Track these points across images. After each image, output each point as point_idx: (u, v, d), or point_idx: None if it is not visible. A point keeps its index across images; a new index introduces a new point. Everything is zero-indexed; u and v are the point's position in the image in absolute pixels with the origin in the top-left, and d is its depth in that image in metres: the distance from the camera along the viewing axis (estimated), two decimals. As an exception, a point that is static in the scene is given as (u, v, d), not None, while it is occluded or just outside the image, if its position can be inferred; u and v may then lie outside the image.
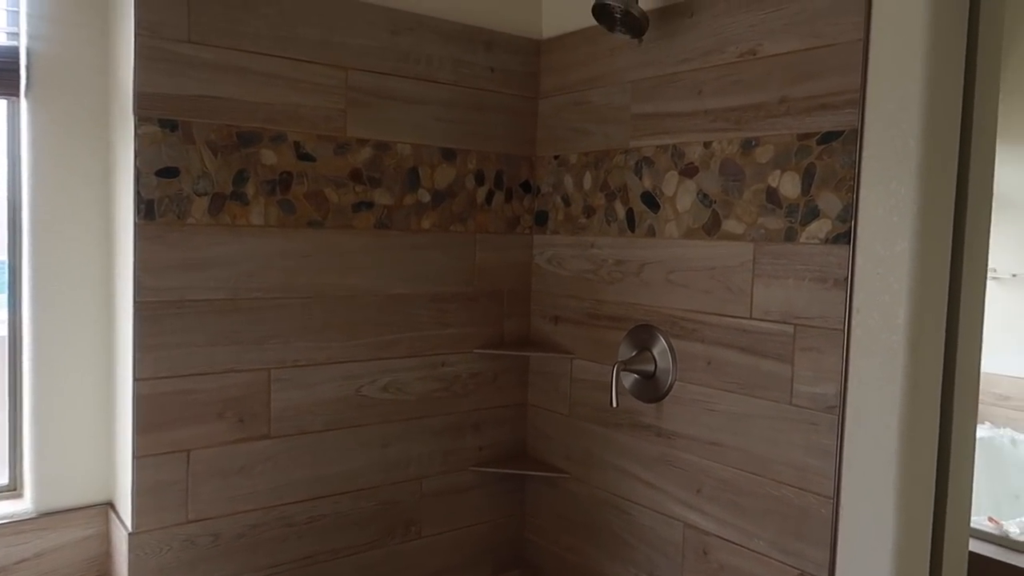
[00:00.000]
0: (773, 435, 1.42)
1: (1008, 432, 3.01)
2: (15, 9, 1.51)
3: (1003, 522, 2.23)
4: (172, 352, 1.47)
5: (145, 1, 1.39)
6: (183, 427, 1.49)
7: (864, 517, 1.29)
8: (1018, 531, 2.18)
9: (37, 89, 1.50)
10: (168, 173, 1.44)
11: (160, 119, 1.42)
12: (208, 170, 1.48)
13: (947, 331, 1.30)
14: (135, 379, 1.43)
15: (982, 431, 2.92)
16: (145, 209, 1.42)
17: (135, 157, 1.40)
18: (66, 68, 1.52)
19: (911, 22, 1.22)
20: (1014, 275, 3.08)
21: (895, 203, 1.24)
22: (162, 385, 1.46)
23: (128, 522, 1.48)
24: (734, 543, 1.49)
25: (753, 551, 1.46)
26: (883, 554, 1.26)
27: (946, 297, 1.29)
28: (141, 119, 1.40)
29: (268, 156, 1.55)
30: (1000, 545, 2.14)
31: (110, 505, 1.61)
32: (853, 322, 1.30)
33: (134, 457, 1.45)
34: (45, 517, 1.55)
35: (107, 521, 1.60)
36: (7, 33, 1.51)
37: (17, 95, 1.50)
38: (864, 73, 1.28)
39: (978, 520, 2.19)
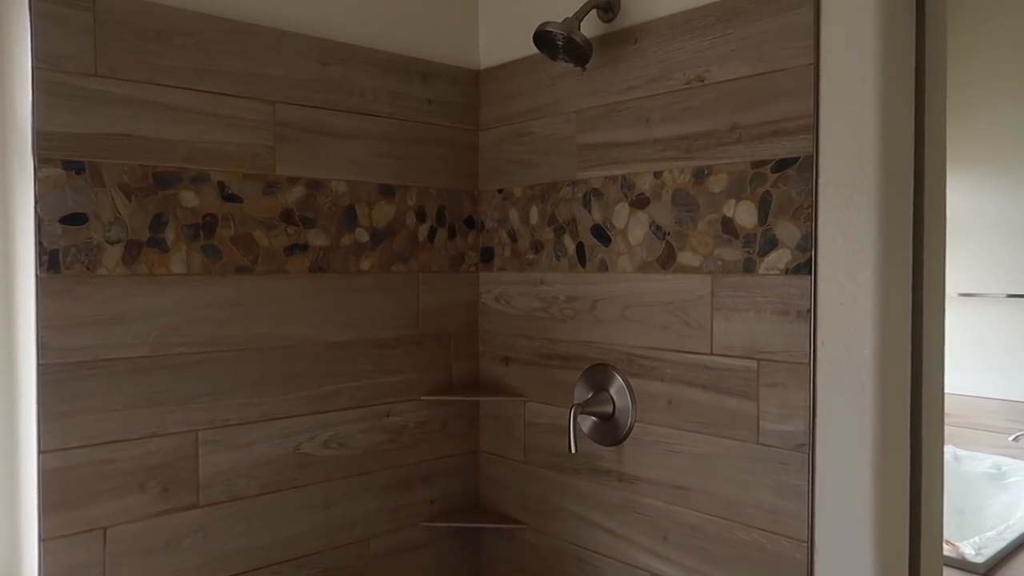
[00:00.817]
0: (741, 476, 1.35)
1: (950, 448, 3.04)
2: None
3: (958, 544, 2.22)
4: (84, 419, 1.31)
5: (43, 32, 1.26)
6: (99, 502, 1.33)
7: (840, 559, 1.23)
8: (973, 552, 2.18)
9: (-78, 131, 1.34)
10: (75, 220, 1.30)
11: (64, 160, 1.29)
12: (121, 215, 1.34)
13: (912, 358, 1.27)
14: (40, 452, 1.27)
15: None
16: (48, 261, 1.27)
17: (35, 203, 1.26)
18: (-44, 107, 1.37)
19: (860, 45, 1.19)
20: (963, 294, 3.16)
21: (855, 231, 1.21)
22: (73, 457, 1.30)
23: (36, 613, 1.30)
24: (705, 592, 1.41)
25: (726, 600, 1.38)
26: (862, 598, 1.20)
27: (910, 324, 1.25)
28: (42, 161, 1.26)
29: (189, 198, 1.42)
30: (960, 568, 2.13)
31: (15, 593, 1.42)
32: (819, 355, 1.25)
33: (41, 540, 1.28)
34: (-62, 612, 1.37)
35: (12, 612, 1.42)
36: None
37: (-102, 138, 1.34)
38: (816, 98, 1.25)
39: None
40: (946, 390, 1.34)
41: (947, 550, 2.18)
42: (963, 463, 3.02)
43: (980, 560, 2.13)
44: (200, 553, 1.44)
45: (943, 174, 1.31)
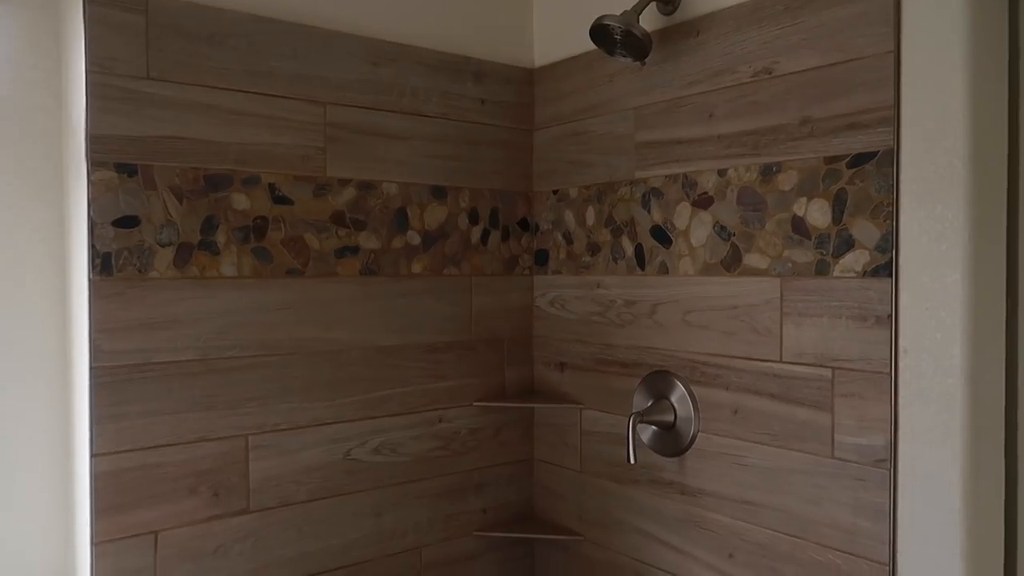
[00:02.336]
0: (814, 492, 1.26)
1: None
2: (-42, 49, 1.37)
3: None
4: (135, 422, 1.30)
5: (97, 37, 1.26)
6: (149, 506, 1.32)
7: (926, 586, 1.13)
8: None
9: (-18, 135, 1.36)
10: (127, 223, 1.29)
11: (116, 163, 1.28)
12: (173, 218, 1.33)
13: (1006, 369, 1.16)
14: (92, 455, 1.27)
15: None
16: (101, 264, 1.27)
17: (89, 206, 1.26)
18: (16, 112, 1.38)
19: (946, 29, 1.10)
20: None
21: (942, 229, 1.11)
22: (124, 460, 1.30)
23: (89, 617, 1.30)
24: (774, 616, 1.32)
25: (797, 625, 1.29)
26: (950, 628, 1.11)
27: (1004, 332, 1.15)
28: (95, 164, 1.26)
29: (240, 200, 1.40)
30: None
31: (70, 596, 1.43)
32: (901, 364, 1.16)
33: (93, 543, 1.28)
34: (-4, 613, 1.37)
35: (67, 615, 1.42)
36: (-51, 76, 1.37)
37: (-40, 143, 1.36)
38: (897, 88, 1.16)
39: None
40: None
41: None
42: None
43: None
44: (250, 559, 1.42)
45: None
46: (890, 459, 1.16)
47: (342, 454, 1.53)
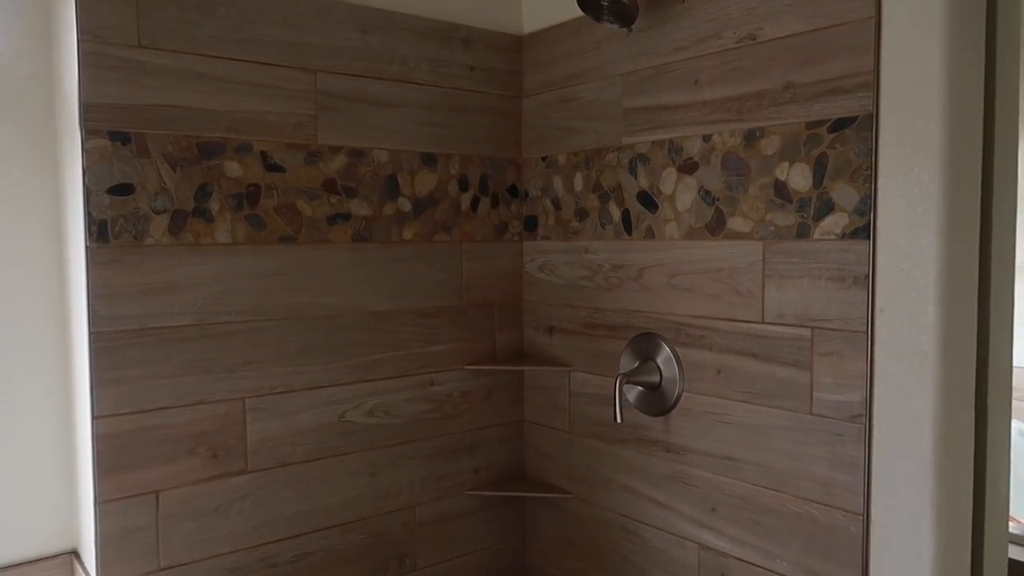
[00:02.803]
0: (793, 447, 1.31)
1: (1017, 425, 2.92)
2: (-53, 18, 1.38)
3: (1022, 519, 2.14)
4: (134, 386, 1.34)
5: (88, 5, 1.27)
6: (151, 467, 1.36)
7: (898, 534, 1.18)
8: (1039, 529, 2.10)
9: (-25, 104, 1.37)
10: (121, 190, 1.31)
11: (110, 131, 1.30)
12: (167, 185, 1.35)
13: (978, 328, 1.20)
14: (94, 417, 1.30)
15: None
16: (97, 231, 1.29)
17: (83, 174, 1.28)
18: (8, 81, 1.39)
19: (926, -5, 1.12)
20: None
21: (918, 192, 1.14)
22: (125, 422, 1.33)
23: (94, 573, 1.34)
24: (755, 565, 1.38)
25: (776, 573, 1.35)
26: (920, 571, 1.16)
27: (976, 292, 1.19)
28: (89, 132, 1.28)
29: (233, 168, 1.42)
30: (1022, 545, 2.05)
31: (74, 554, 1.47)
32: (877, 323, 1.20)
33: (96, 502, 1.32)
34: (4, 571, 1.42)
35: (71, 572, 1.47)
36: (-60, 44, 1.38)
37: (-47, 112, 1.37)
38: (877, 54, 1.18)
39: (998, 520, 2.10)
40: (1019, 364, 1.27)
41: (1013, 527, 2.11)
42: (1031, 439, 2.90)
43: (1045, 538, 2.05)
44: (249, 517, 1.47)
45: (1015, 134, 1.23)
46: (865, 414, 1.21)
47: (337, 416, 1.57)
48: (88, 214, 1.28)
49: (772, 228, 1.33)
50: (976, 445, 1.21)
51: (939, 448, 1.14)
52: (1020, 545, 2.05)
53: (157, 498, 1.37)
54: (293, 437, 1.51)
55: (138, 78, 1.32)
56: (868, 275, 1.20)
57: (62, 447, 1.47)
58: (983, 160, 1.18)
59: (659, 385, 1.52)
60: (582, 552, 1.73)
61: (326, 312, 1.54)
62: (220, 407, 1.42)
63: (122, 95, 1.31)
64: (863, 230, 1.20)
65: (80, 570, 1.42)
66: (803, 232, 1.28)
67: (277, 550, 1.50)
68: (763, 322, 1.35)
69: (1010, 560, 2.01)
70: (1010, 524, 2.11)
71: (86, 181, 1.28)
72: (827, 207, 1.25)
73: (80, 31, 1.27)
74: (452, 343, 1.73)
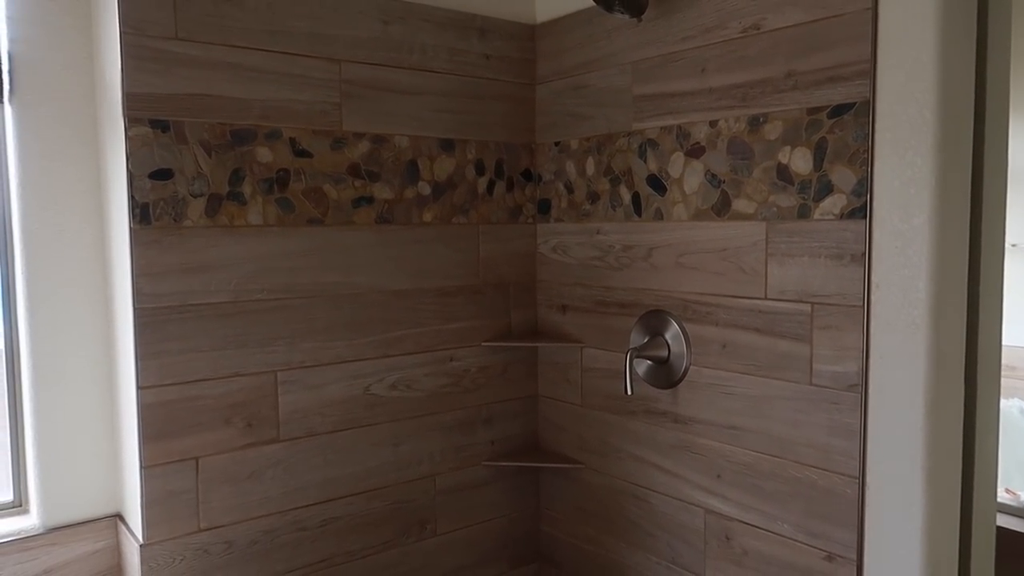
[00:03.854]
0: (794, 416, 1.39)
1: (1016, 402, 2.99)
2: (-5, 13, 1.46)
3: (1020, 492, 2.22)
4: (175, 359, 1.43)
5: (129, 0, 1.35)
6: (190, 435, 1.46)
7: (891, 496, 1.26)
8: (1035, 501, 2.17)
9: (21, 94, 1.45)
10: (162, 175, 1.40)
11: (151, 120, 1.38)
12: (203, 170, 1.44)
13: (968, 303, 1.28)
14: (139, 388, 1.40)
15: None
16: (140, 213, 1.38)
17: (127, 160, 1.36)
18: (51, 71, 1.48)
19: (921, -12, 1.19)
20: (1013, 245, 3.06)
21: (912, 175, 1.22)
22: (167, 393, 1.42)
23: (139, 534, 1.44)
24: (758, 527, 1.47)
25: (777, 535, 1.43)
26: (912, 532, 1.24)
27: (967, 269, 1.26)
28: (131, 120, 1.36)
29: (264, 154, 1.51)
30: (1019, 516, 2.13)
31: (119, 517, 1.57)
32: (872, 298, 1.27)
33: (142, 467, 1.41)
34: (53, 532, 1.52)
35: (116, 533, 1.57)
36: (-12, 38, 1.46)
37: (0, 100, 1.45)
38: (874, 43, 1.25)
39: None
40: (1017, 344, 1.34)
41: (1009, 499, 2.18)
42: (1030, 417, 2.97)
43: (1041, 509, 2.12)
44: (281, 483, 1.56)
45: (1005, 120, 1.30)
46: (861, 384, 1.29)
47: (362, 389, 1.66)
48: (132, 197, 1.37)
49: (775, 209, 1.40)
50: (966, 415, 1.29)
51: (929, 416, 1.22)
52: (1016, 516, 2.13)
53: (197, 464, 1.47)
54: (321, 408, 1.60)
55: (176, 68, 1.40)
56: (865, 253, 1.27)
57: (106, 417, 1.57)
58: (974, 144, 1.26)
59: (667, 359, 1.60)
60: (593, 519, 1.83)
61: (351, 290, 1.63)
62: (254, 379, 1.51)
63: (161, 85, 1.39)
64: (860, 210, 1.27)
65: (125, 531, 1.52)
66: (804, 213, 1.36)
67: (307, 514, 1.60)
68: (766, 298, 1.42)
69: (1005, 530, 2.09)
70: (1008, 496, 2.19)
71: (129, 167, 1.37)
72: (826, 189, 1.32)
73: (122, 24, 1.35)
74: (470, 320, 1.82)
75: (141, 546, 1.42)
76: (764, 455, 1.44)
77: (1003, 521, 2.14)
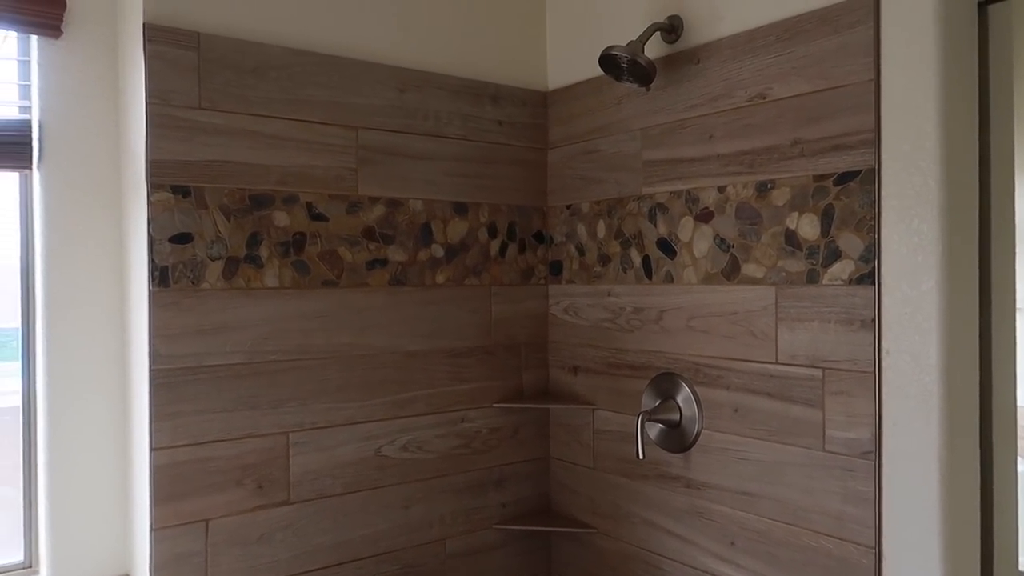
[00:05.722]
0: (807, 483, 1.37)
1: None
2: (27, 83, 1.52)
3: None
4: (189, 419, 1.44)
5: (155, 71, 1.41)
6: (201, 496, 1.46)
7: (908, 566, 1.24)
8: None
9: (49, 161, 1.51)
10: (182, 239, 1.43)
11: (172, 185, 1.42)
12: (222, 234, 1.47)
13: (980, 368, 1.27)
14: (152, 449, 1.41)
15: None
16: (159, 276, 1.41)
17: (148, 224, 1.40)
18: (77, 139, 1.53)
19: (921, 59, 1.22)
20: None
21: (918, 241, 1.23)
22: (179, 454, 1.43)
23: (146, 598, 1.43)
24: (773, 597, 1.44)
25: (793, 605, 1.40)
26: (931, 605, 1.21)
27: (977, 333, 1.26)
28: (154, 186, 1.41)
29: (281, 218, 1.54)
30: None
31: (127, 580, 1.56)
32: (884, 364, 1.27)
33: (151, 529, 1.41)
34: (61, 595, 1.51)
35: (124, 597, 1.56)
36: (19, 107, 1.52)
37: (29, 167, 1.51)
38: (877, 113, 1.28)
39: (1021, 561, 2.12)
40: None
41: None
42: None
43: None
44: (291, 547, 1.55)
45: (1011, 184, 1.32)
46: (875, 451, 1.28)
47: (373, 451, 1.66)
48: (151, 260, 1.40)
49: (784, 274, 1.41)
50: (983, 480, 1.27)
51: (944, 483, 1.21)
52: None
53: (207, 526, 1.46)
54: (332, 470, 1.60)
55: (198, 136, 1.45)
56: (874, 319, 1.28)
57: (119, 477, 1.57)
58: (980, 209, 1.27)
59: (679, 423, 1.59)
60: (606, 585, 1.79)
61: (364, 351, 1.64)
62: (266, 440, 1.52)
63: (184, 152, 1.44)
64: (868, 276, 1.28)
65: (132, 594, 1.51)
66: (812, 278, 1.36)
67: (315, 578, 1.59)
68: (777, 363, 1.42)
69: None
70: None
71: (150, 231, 1.40)
72: (834, 254, 1.33)
73: (148, 94, 1.40)
74: (481, 381, 1.82)
75: (148, 610, 1.41)
76: (778, 522, 1.42)
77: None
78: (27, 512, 1.55)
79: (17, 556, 1.54)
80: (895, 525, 1.26)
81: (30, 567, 1.55)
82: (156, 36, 1.41)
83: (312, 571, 1.58)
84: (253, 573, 1.51)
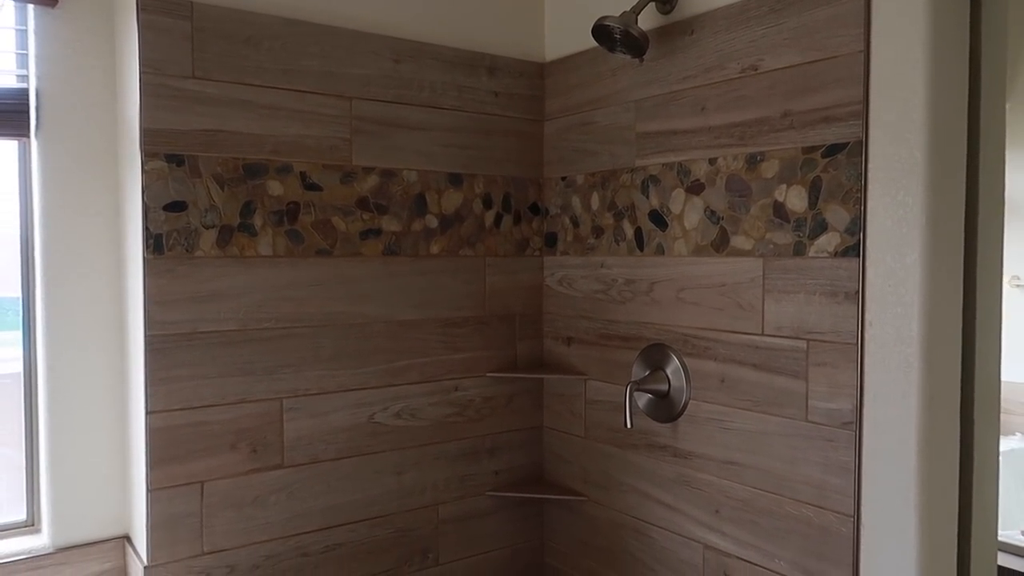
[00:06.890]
0: (790, 453, 1.39)
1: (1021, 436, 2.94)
2: (24, 52, 1.54)
3: (1035, 534, 2.17)
4: (184, 384, 1.47)
5: (149, 40, 1.42)
6: (196, 459, 1.49)
7: (886, 535, 1.26)
8: (1051, 543, 2.13)
9: (46, 129, 1.52)
10: (176, 207, 1.45)
11: (167, 154, 1.44)
12: (215, 203, 1.49)
13: (964, 341, 1.28)
14: (148, 412, 1.44)
15: (1013, 442, 2.85)
16: (154, 244, 1.43)
17: (143, 192, 1.42)
18: (74, 108, 1.55)
19: (911, 32, 1.21)
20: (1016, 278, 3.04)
21: (903, 214, 1.23)
22: (175, 418, 1.47)
23: (144, 556, 1.48)
24: (755, 564, 1.46)
25: (774, 572, 1.43)
26: (907, 572, 1.23)
27: (960, 307, 1.27)
28: (148, 155, 1.42)
29: (275, 187, 1.56)
30: (1033, 559, 2.09)
31: (126, 538, 1.61)
32: (866, 336, 1.28)
33: (148, 490, 1.45)
34: (62, 552, 1.56)
35: (124, 555, 1.60)
36: (16, 75, 1.54)
37: (27, 136, 1.53)
38: (866, 85, 1.27)
39: (1011, 534, 2.14)
40: (1015, 380, 1.33)
41: (1010, 537, 2.14)
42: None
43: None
44: (284, 509, 1.59)
45: (1001, 158, 1.31)
46: (856, 421, 1.29)
47: (366, 417, 1.69)
48: (146, 228, 1.42)
49: (771, 246, 1.42)
50: (963, 453, 1.28)
51: (922, 455, 1.22)
52: (1019, 556, 2.09)
53: (202, 488, 1.50)
54: (326, 436, 1.63)
55: (192, 106, 1.46)
56: (858, 291, 1.28)
57: (118, 440, 1.61)
58: (968, 182, 1.26)
59: (668, 393, 1.61)
60: (596, 552, 1.83)
61: (358, 320, 1.67)
62: (260, 406, 1.55)
63: (177, 121, 1.45)
64: (853, 248, 1.29)
65: (131, 553, 1.55)
66: (799, 250, 1.37)
67: (309, 540, 1.62)
68: (763, 334, 1.43)
69: (1008, 569, 2.05)
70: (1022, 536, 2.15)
71: (145, 199, 1.42)
72: (821, 227, 1.33)
73: (142, 64, 1.42)
74: (475, 351, 1.84)
75: (145, 568, 1.46)
76: (761, 491, 1.44)
77: (1021, 564, 2.10)
78: (29, 473, 1.59)
79: (20, 515, 1.59)
80: (874, 495, 1.27)
81: (32, 526, 1.59)
82: (150, 5, 1.42)
83: (305, 533, 1.62)
84: (247, 534, 1.55)
